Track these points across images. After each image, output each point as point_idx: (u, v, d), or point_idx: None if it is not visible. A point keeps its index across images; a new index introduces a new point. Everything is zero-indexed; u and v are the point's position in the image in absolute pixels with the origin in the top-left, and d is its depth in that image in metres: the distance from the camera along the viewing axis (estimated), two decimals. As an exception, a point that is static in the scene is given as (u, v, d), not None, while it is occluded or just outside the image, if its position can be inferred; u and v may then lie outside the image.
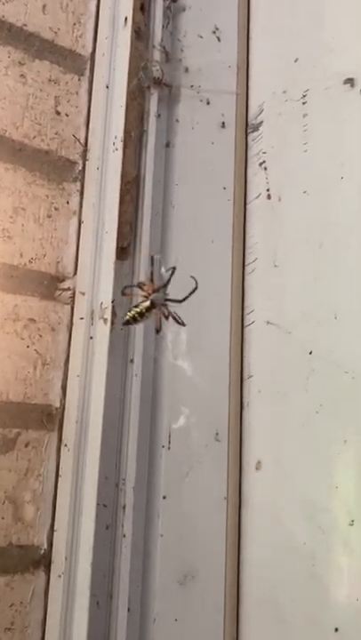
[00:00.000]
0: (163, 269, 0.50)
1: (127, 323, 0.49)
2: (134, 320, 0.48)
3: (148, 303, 0.47)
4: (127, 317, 0.49)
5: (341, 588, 0.56)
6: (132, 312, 0.48)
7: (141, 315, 0.48)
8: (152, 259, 0.51)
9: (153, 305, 0.47)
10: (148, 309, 0.48)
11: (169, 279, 0.47)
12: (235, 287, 0.70)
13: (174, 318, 0.48)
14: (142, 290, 0.47)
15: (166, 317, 0.47)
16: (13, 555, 0.55)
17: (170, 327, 0.59)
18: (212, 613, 0.60)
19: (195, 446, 0.63)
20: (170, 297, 0.48)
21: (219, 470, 0.64)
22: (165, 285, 0.47)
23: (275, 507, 0.62)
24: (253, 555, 0.63)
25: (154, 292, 0.47)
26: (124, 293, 0.51)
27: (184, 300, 0.48)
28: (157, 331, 0.49)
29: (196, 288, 0.50)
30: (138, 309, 0.48)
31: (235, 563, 0.63)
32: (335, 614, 0.56)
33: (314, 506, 0.59)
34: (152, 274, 0.48)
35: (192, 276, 0.50)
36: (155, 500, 0.60)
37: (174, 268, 0.49)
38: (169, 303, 0.48)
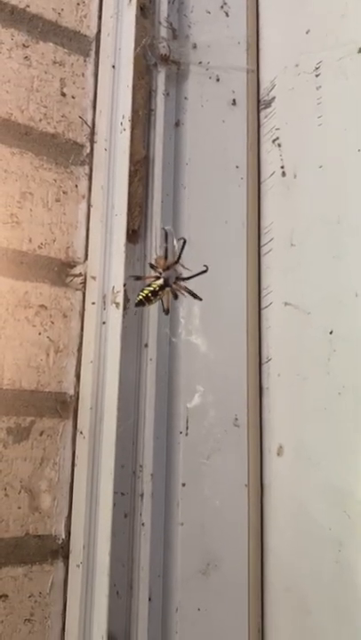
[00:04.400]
0: (175, 242, 0.48)
1: (140, 303, 0.46)
2: (147, 300, 0.46)
3: (161, 281, 0.45)
4: (140, 297, 0.46)
5: (369, 575, 0.54)
6: (145, 291, 0.46)
7: (155, 294, 0.46)
8: (165, 232, 0.49)
9: (166, 283, 0.45)
10: (162, 288, 0.45)
11: (180, 254, 0.45)
12: (250, 268, 0.68)
13: (190, 293, 0.46)
14: (154, 270, 0.45)
15: (176, 297, 0.44)
16: (31, 545, 0.54)
17: (184, 308, 0.57)
18: (236, 603, 0.59)
19: (213, 432, 0.61)
20: (181, 274, 0.45)
21: (239, 456, 0.62)
22: (177, 261, 0.45)
23: (298, 492, 0.61)
24: (277, 542, 0.61)
25: (166, 269, 0.45)
26: (138, 278, 0.49)
27: (189, 278, 0.46)
28: (167, 311, 0.47)
29: (205, 271, 0.48)
30: (151, 288, 0.46)
31: (258, 551, 0.61)
32: (364, 602, 0.54)
33: (338, 490, 0.57)
34: (166, 249, 0.46)
35: (205, 265, 0.48)
36: (174, 487, 0.58)
37: (184, 241, 0.47)
38: (179, 281, 0.45)
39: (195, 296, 0.46)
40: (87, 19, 0.68)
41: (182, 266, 0.46)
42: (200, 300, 0.47)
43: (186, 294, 0.46)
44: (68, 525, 0.56)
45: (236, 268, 0.68)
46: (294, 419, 0.63)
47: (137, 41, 0.64)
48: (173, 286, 0.45)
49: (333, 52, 0.67)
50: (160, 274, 0.45)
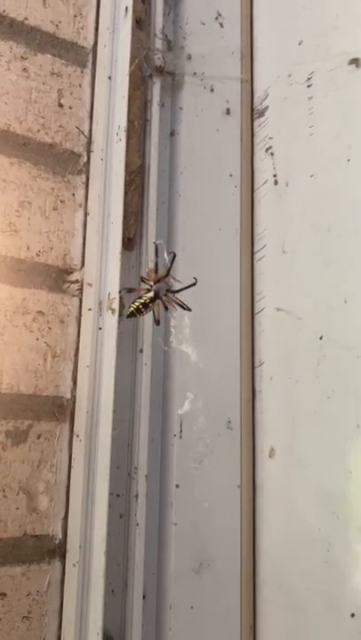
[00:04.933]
0: (165, 255, 0.50)
1: (131, 315, 0.49)
2: (138, 312, 0.48)
3: (151, 294, 0.47)
4: (131, 309, 0.49)
5: (357, 573, 0.56)
6: (136, 303, 0.48)
7: (145, 306, 0.48)
8: (155, 246, 0.51)
9: (157, 295, 0.47)
10: (152, 300, 0.48)
11: (170, 267, 0.47)
12: (244, 275, 0.70)
13: (180, 305, 0.48)
14: (145, 282, 0.47)
15: (166, 308, 0.47)
16: (29, 545, 0.56)
17: (178, 316, 0.59)
18: (228, 601, 0.61)
19: (207, 434, 0.63)
20: (172, 286, 0.47)
21: (232, 458, 0.64)
22: (167, 274, 0.47)
23: (289, 493, 0.62)
24: (269, 541, 0.63)
25: (156, 282, 0.47)
26: (130, 290, 0.51)
27: (179, 291, 0.48)
28: (157, 322, 0.49)
29: (194, 284, 0.50)
30: (141, 300, 0.48)
31: (250, 550, 0.63)
32: (351, 599, 0.56)
33: (328, 492, 0.59)
34: (157, 263, 0.48)
35: (194, 278, 0.50)
36: (168, 488, 0.60)
37: (174, 255, 0.49)
38: (170, 293, 0.47)
39: (184, 307, 0.48)
40: (84, 30, 0.69)
41: (173, 278, 0.48)
42: (190, 310, 0.49)
43: (176, 306, 0.48)
44: (65, 526, 0.57)
45: (229, 275, 0.69)
46: (286, 421, 0.64)
47: (133, 52, 0.65)
48: (164, 298, 0.47)
49: (325, 63, 0.68)
50: (151, 286, 0.47)
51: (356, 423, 0.57)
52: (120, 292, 0.57)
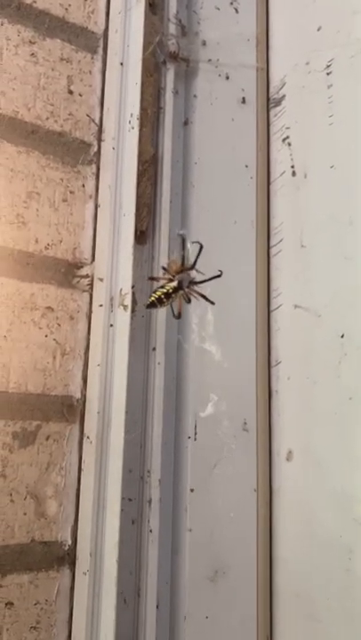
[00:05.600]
0: (188, 245, 0.47)
1: (152, 305, 0.45)
2: (160, 302, 0.45)
3: (175, 283, 0.44)
4: (152, 299, 0.45)
5: (381, 584, 0.53)
6: (158, 293, 0.45)
7: (168, 296, 0.45)
8: (182, 237, 0.48)
9: (180, 286, 0.44)
10: (175, 290, 0.44)
11: (196, 259, 0.44)
12: (260, 270, 0.67)
13: (203, 297, 0.45)
14: (168, 273, 0.44)
15: (189, 301, 0.44)
16: (37, 551, 0.53)
17: (194, 312, 0.56)
18: (244, 611, 0.58)
19: (222, 436, 0.60)
20: (195, 278, 0.44)
21: (248, 461, 0.61)
22: (193, 266, 0.43)
23: (307, 498, 0.60)
24: (286, 549, 0.60)
25: (179, 273, 0.44)
26: (154, 278, 0.48)
27: (202, 282, 0.45)
28: (178, 316, 0.46)
29: (219, 276, 0.47)
30: (164, 290, 0.45)
31: (267, 557, 0.60)
32: (375, 611, 0.53)
33: (349, 496, 0.56)
34: (183, 255, 0.45)
35: (219, 270, 0.47)
36: (182, 493, 0.57)
37: (201, 246, 0.46)
38: (193, 285, 0.44)
39: (208, 300, 0.45)
40: (95, 15, 0.66)
41: (197, 271, 0.45)
42: (213, 303, 0.46)
43: (199, 298, 0.45)
44: (75, 532, 0.55)
45: (245, 270, 0.66)
46: (304, 423, 0.62)
47: (145, 38, 0.63)
48: (186, 290, 0.44)
49: (345, 49, 0.65)
50: (173, 277, 0.44)
51: (380, 426, 0.55)
52: (133, 286, 0.55)
